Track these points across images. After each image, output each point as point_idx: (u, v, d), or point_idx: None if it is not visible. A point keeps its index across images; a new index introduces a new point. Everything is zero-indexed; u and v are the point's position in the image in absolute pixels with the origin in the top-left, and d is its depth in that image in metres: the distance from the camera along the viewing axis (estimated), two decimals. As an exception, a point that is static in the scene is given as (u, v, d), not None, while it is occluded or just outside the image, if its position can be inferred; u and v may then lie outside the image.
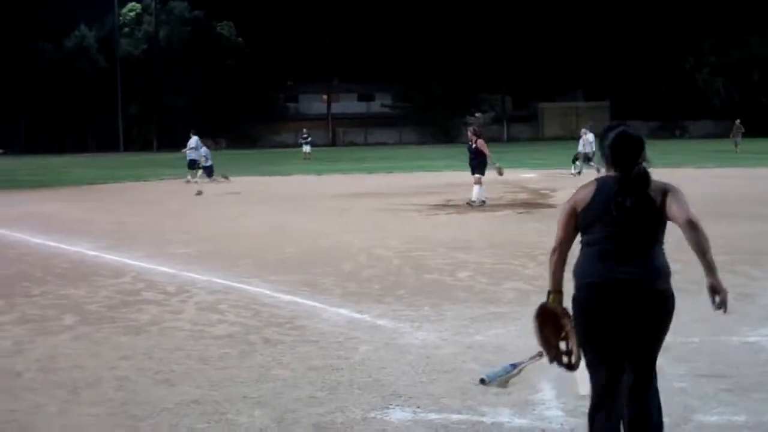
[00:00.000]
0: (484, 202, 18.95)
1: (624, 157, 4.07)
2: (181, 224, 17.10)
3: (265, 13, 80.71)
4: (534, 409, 5.29)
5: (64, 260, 12.24)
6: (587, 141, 28.52)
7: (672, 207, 3.96)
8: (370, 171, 34.57)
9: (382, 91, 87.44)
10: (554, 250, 4.29)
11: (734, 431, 4.84)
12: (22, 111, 76.92)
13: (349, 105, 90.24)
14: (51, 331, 7.80)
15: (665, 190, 4.03)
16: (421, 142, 77.21)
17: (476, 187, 19.05)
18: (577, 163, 28.85)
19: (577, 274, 4.15)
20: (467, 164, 19.53)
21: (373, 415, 5.24)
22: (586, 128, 29.34)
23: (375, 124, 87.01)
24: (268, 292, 9.41)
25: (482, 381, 5.74)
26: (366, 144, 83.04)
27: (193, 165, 30.13)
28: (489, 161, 19.29)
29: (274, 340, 7.27)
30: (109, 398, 5.74)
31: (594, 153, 27.53)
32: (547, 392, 5.60)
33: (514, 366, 5.98)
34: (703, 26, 74.63)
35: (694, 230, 3.90)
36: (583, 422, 4.97)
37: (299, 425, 5.09)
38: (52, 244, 14.04)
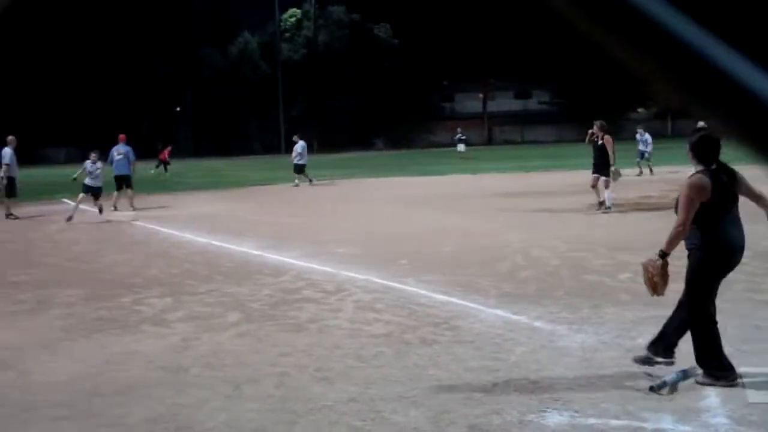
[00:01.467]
0: (610, 208, 17.39)
1: (715, 155, 5.77)
2: (339, 224, 17.44)
3: (420, 14, 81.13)
4: (699, 416, 5.08)
5: (228, 260, 12.71)
6: (643, 140, 29.61)
7: (742, 187, 5.82)
8: (527, 170, 34.13)
9: (539, 89, 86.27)
10: (681, 228, 5.79)
11: None
12: (191, 115, 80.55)
13: (504, 103, 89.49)
14: (216, 328, 8.12)
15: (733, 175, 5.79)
16: (581, 140, 75.61)
17: (607, 192, 17.56)
18: (639, 161, 29.58)
19: (726, 239, 5.82)
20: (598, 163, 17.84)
21: (529, 418, 5.17)
22: (641, 129, 30.65)
23: (532, 121, 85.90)
24: (424, 291, 9.46)
25: (652, 389, 5.55)
26: (522, 142, 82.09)
27: (301, 170, 30.15)
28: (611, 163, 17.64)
29: (429, 339, 7.29)
30: (270, 394, 5.91)
31: (650, 153, 29.36)
32: (712, 399, 5.37)
33: (684, 372, 5.76)
34: None
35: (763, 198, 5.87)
36: (748, 430, 4.74)
37: (455, 426, 5.08)
38: (217, 243, 14.61)
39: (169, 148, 41.50)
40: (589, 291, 9.18)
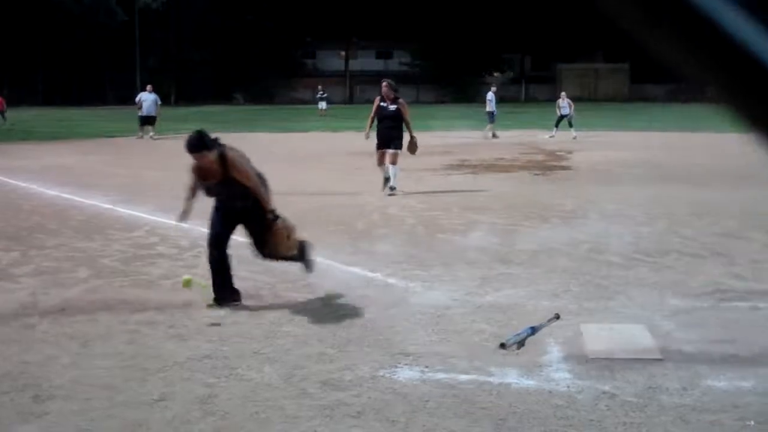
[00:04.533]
0: (394, 188, 14.13)
1: None
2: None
3: (285, -32, 79.95)
4: (542, 371, 5.31)
5: (78, 213, 12.31)
6: (564, 105, 30.16)
7: None
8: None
9: (400, 49, 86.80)
10: None
11: (741, 396, 4.83)
12: (40, 63, 76.87)
13: (366, 62, 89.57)
14: (65, 284, 7.88)
15: None
16: (440, 101, 76.75)
17: (391, 168, 14.19)
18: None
19: None
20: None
21: (381, 373, 5.28)
22: (564, 94, 31.56)
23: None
24: (280, 248, 9.43)
25: (502, 345, 5.74)
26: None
27: (148, 122, 29.52)
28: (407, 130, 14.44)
29: (285, 296, 7.32)
30: (120, 351, 5.81)
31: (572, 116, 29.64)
32: (555, 354, 5.62)
33: (533, 329, 5.99)
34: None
35: None
36: (589, 384, 5.01)
37: (308, 381, 5.14)
38: (67, 196, 14.12)
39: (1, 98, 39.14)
40: (442, 249, 9.40)
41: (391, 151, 14.24)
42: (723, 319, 6.53)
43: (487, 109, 30.29)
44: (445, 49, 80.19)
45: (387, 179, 14.28)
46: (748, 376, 5.19)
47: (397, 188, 14.18)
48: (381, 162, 14.49)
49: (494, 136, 29.41)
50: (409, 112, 14.59)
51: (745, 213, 11.76)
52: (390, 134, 14.30)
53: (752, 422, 4.46)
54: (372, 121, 14.77)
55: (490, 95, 30.19)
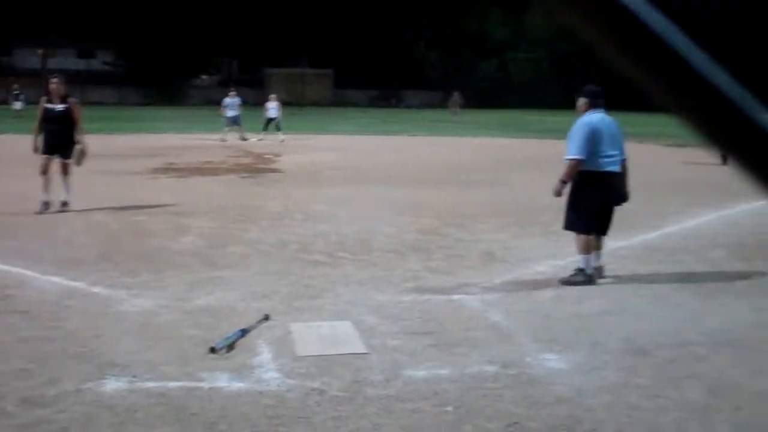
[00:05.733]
0: (67, 204, 12.20)
1: None
2: None
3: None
4: (252, 373, 5.34)
5: None
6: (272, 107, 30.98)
7: None
8: (89, 131, 32.87)
9: (104, 49, 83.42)
10: None
11: (439, 384, 5.15)
12: None
13: (67, 61, 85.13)
14: None
15: None
16: (145, 103, 74.61)
17: (62, 180, 12.26)
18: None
19: None
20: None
21: (87, 386, 5.05)
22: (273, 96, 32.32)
23: (94, 82, 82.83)
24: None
25: (212, 350, 5.68)
26: (85, 103, 78.86)
27: None
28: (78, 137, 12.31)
29: (-23, 311, 6.78)
30: None
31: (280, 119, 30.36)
32: (265, 355, 5.68)
33: (243, 331, 6.00)
34: (421, 1, 77.97)
35: None
36: (298, 382, 5.12)
37: (6, 400, 4.80)
38: None
39: None
40: (149, 255, 9.16)
41: (59, 160, 12.22)
42: (422, 311, 6.93)
43: (228, 114, 30.14)
44: (150, 50, 78.12)
45: (46, 202, 12.03)
46: (446, 364, 5.55)
47: (71, 204, 12.21)
48: (44, 171, 12.08)
49: (244, 139, 29.12)
50: (81, 114, 12.58)
51: (442, 211, 12.55)
52: (57, 140, 12.12)
53: (450, 407, 4.77)
54: (40, 128, 12.39)
55: (228, 101, 30.62)
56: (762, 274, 8.58)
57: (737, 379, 5.30)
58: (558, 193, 8.13)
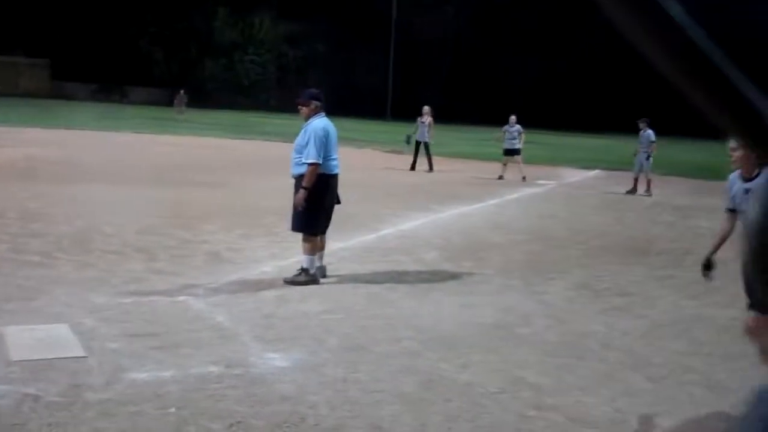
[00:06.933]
0: None
1: None
2: None
3: None
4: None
5: None
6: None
7: None
8: None
9: None
10: None
11: (162, 386, 5.10)
12: None
13: None
14: None
15: None
16: None
17: None
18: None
19: None
20: None
21: None
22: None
23: None
24: None
25: None
26: None
27: None
28: None
29: None
30: None
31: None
32: (-27, 362, 5.33)
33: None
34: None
35: None
36: (12, 388, 4.86)
37: None
38: None
39: None
40: None
41: None
42: (145, 312, 6.80)
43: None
44: None
45: None
46: (169, 365, 5.49)
47: None
48: None
49: None
50: None
51: (166, 211, 12.33)
52: None
53: (173, 409, 4.74)
54: None
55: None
56: (470, 273, 9.25)
57: (448, 373, 5.70)
58: (302, 203, 8.13)
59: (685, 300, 8.49)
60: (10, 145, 23.02)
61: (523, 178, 21.90)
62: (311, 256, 8.26)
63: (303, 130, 8.34)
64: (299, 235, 8.41)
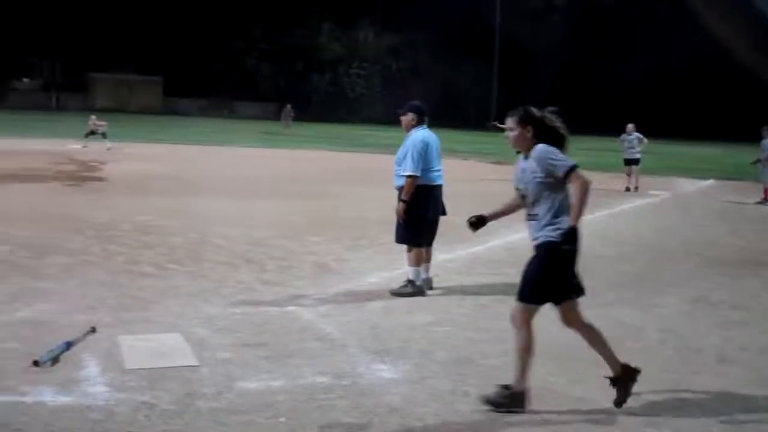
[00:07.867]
0: None
1: None
2: None
3: None
4: (78, 387, 5.15)
5: None
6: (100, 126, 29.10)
7: None
8: None
9: None
10: None
11: (272, 395, 5.14)
12: None
13: None
14: None
15: None
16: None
17: None
18: None
19: None
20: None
21: None
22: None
23: None
24: None
25: (35, 363, 5.40)
26: None
27: None
28: None
29: None
30: None
31: None
32: (92, 369, 5.48)
33: (68, 344, 5.74)
34: (254, 12, 77.45)
35: None
36: (127, 396, 4.98)
37: None
38: None
39: None
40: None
41: None
42: (255, 322, 6.89)
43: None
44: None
45: None
46: (279, 375, 5.54)
47: None
48: None
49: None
50: None
51: (274, 223, 12.52)
52: None
53: (283, 419, 4.77)
54: None
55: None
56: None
57: (558, 386, 5.58)
58: (402, 215, 8.16)
59: (808, 314, 8.11)
60: (125, 160, 23.83)
61: (636, 188, 21.36)
62: (417, 268, 8.24)
63: (403, 142, 8.34)
64: (404, 247, 8.40)
